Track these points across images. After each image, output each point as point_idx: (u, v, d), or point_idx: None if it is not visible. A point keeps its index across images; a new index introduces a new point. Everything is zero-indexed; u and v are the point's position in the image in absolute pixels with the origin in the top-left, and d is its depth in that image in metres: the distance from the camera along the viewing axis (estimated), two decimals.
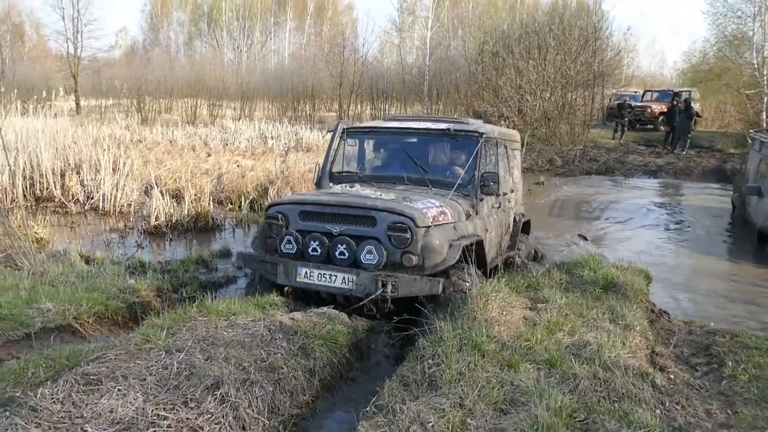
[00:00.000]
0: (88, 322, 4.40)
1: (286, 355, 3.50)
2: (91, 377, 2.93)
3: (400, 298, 4.35)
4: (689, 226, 9.97)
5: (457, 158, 5.57)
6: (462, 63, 24.23)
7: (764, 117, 19.22)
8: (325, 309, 4.26)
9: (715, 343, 4.33)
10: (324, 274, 4.41)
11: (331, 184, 5.61)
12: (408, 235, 4.27)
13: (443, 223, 4.57)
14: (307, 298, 4.70)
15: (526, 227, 7.01)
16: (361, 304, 4.31)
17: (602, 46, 21.42)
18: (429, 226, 4.38)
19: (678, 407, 3.24)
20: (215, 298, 4.52)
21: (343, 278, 4.35)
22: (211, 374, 3.03)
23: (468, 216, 5.00)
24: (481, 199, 5.26)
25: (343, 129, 6.00)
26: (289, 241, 4.54)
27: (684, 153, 18.81)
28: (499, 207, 5.81)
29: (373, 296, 4.20)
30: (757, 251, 8.05)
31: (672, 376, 3.72)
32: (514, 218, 6.44)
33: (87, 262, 6.44)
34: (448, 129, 5.52)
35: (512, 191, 6.39)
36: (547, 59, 19.25)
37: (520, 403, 3.00)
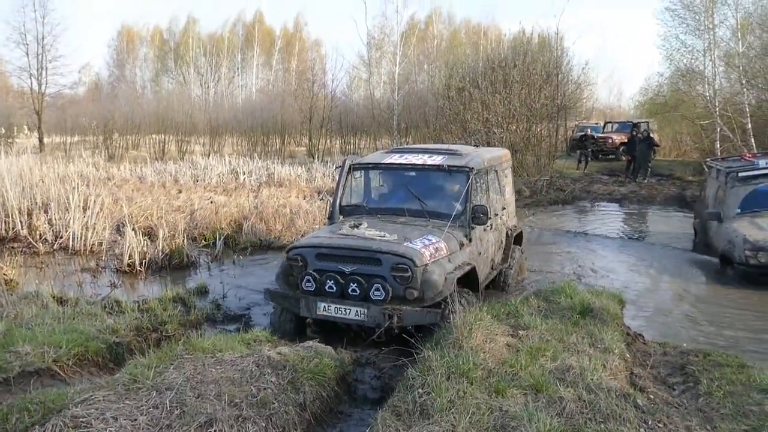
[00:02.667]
0: (68, 365, 4.31)
1: (277, 391, 3.50)
2: (81, 420, 2.89)
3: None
4: (655, 251, 10.28)
5: (451, 190, 6.28)
6: (429, 97, 24.71)
7: (718, 146, 20.03)
8: (311, 343, 4.30)
9: (690, 363, 4.48)
10: (339, 308, 5.09)
11: (341, 217, 6.31)
12: (409, 274, 4.97)
13: (439, 259, 5.23)
14: (326, 327, 5.52)
15: (518, 239, 7.68)
16: (376, 335, 4.99)
17: (564, 80, 22.15)
18: (427, 264, 5.06)
19: (660, 425, 3.35)
20: (199, 335, 4.49)
21: (356, 311, 5.03)
22: (204, 411, 3.03)
23: (462, 245, 5.71)
24: (473, 228, 5.92)
25: (350, 165, 6.66)
26: (308, 280, 5.22)
27: (645, 181, 19.43)
28: (491, 228, 6.48)
29: (383, 327, 4.88)
30: (719, 273, 8.35)
31: (652, 396, 3.84)
32: (507, 233, 7.20)
33: (60, 303, 6.29)
34: (442, 165, 6.20)
35: (504, 208, 7.07)
36: (512, 92, 19.78)
37: (511, 427, 3.07)
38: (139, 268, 8.26)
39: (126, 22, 55.94)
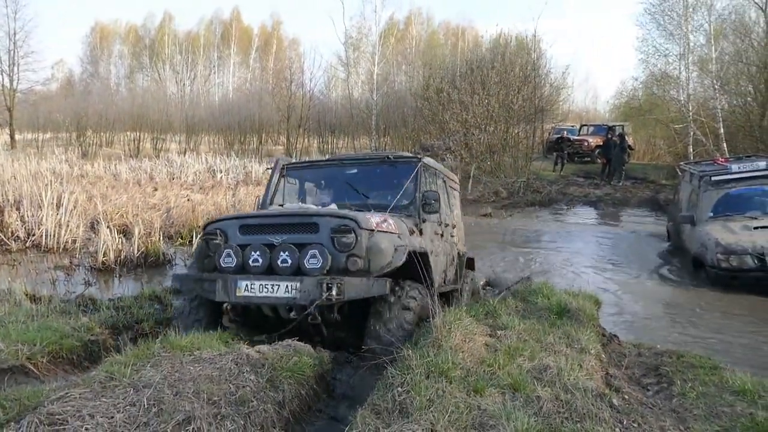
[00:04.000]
0: (42, 362, 4.23)
1: (255, 389, 3.48)
2: (56, 417, 2.84)
3: (348, 311, 4.40)
4: (629, 254, 10.47)
5: (399, 184, 5.48)
6: (408, 98, 24.82)
7: (691, 150, 20.48)
8: (289, 341, 4.26)
9: (663, 364, 4.56)
10: (266, 285, 4.19)
11: None
12: (352, 237, 4.20)
13: (387, 231, 4.49)
14: (248, 318, 4.59)
15: (470, 264, 7.24)
16: (306, 313, 4.11)
17: (541, 82, 22.45)
18: (373, 230, 4.32)
19: (635, 425, 3.40)
20: (177, 333, 4.43)
21: (286, 287, 4.15)
22: (182, 409, 2.99)
23: (412, 233, 4.99)
24: (424, 220, 5.31)
25: (283, 165, 6.02)
26: (228, 255, 4.37)
27: (620, 184, 19.79)
28: (442, 236, 5.93)
29: (318, 301, 4.03)
30: (692, 276, 8.53)
31: (627, 396, 3.90)
32: (458, 253, 6.57)
33: (33, 300, 6.18)
34: (387, 156, 5.72)
35: (454, 227, 6.52)
36: (491, 93, 19.98)
37: (489, 426, 3.09)
38: (114, 266, 8.15)
39: (100, 19, 55.11)
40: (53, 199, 9.97)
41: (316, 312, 4.14)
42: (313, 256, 4.17)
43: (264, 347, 4.05)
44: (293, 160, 6.55)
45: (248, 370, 3.66)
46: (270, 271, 4.28)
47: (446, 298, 5.95)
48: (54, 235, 9.34)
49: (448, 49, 41.95)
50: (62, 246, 9.28)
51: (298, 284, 4.12)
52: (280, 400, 3.55)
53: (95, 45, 53.49)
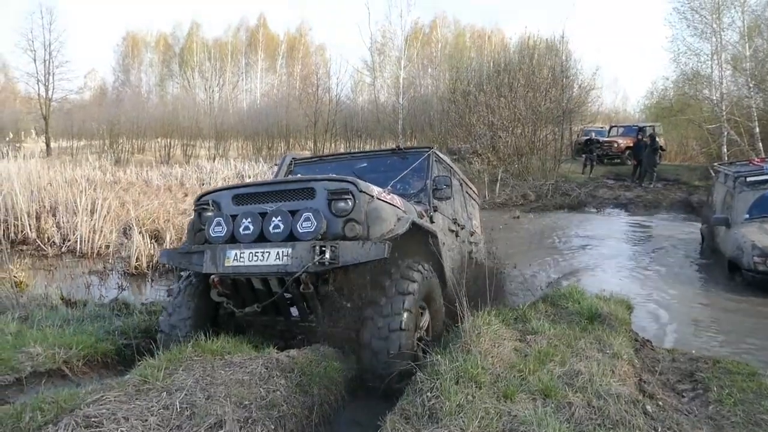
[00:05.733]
0: (78, 366, 4.34)
1: (286, 393, 3.50)
2: (92, 419, 2.90)
3: (346, 289, 4.06)
4: (662, 257, 10.26)
5: (410, 176, 5.25)
6: (434, 101, 24.79)
7: (725, 150, 20.01)
8: (318, 346, 4.27)
9: (699, 370, 4.46)
10: (256, 252, 3.87)
11: None
12: (350, 201, 3.87)
13: (390, 202, 4.18)
14: (237, 293, 4.24)
15: None
16: (298, 275, 3.75)
17: (569, 83, 22.21)
18: (373, 196, 4.00)
19: None
20: (208, 337, 4.49)
21: (277, 253, 3.81)
22: (213, 413, 3.03)
23: (421, 216, 4.67)
24: (435, 209, 5.02)
25: (291, 160, 5.88)
26: (218, 224, 4.08)
27: (652, 186, 19.42)
28: (457, 235, 5.70)
29: (308, 265, 3.69)
30: (727, 279, 8.31)
31: (661, 403, 3.83)
32: (476, 261, 6.26)
33: (68, 305, 6.34)
34: (398, 146, 5.54)
35: (473, 234, 6.27)
36: (518, 96, 19.84)
37: None
38: (146, 271, 8.30)
39: (131, 28, 56.37)
40: (87, 206, 10.20)
41: (308, 280, 3.82)
42: (307, 219, 3.84)
43: (293, 351, 4.08)
44: (302, 155, 6.35)
45: (278, 374, 3.69)
46: (261, 238, 3.96)
47: None
48: (88, 241, 9.56)
49: (474, 52, 41.75)
50: (96, 251, 9.48)
51: (290, 250, 3.79)
52: (310, 404, 3.57)
53: (126, 54, 54.71)
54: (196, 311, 4.38)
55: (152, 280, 8.13)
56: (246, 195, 4.26)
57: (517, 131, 20.01)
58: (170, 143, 28.48)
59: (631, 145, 22.69)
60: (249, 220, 3.99)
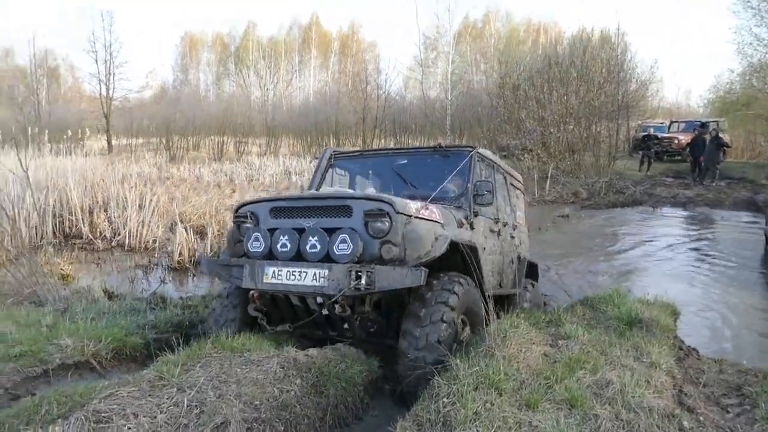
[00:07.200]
0: (106, 359, 4.41)
1: (300, 394, 3.44)
2: (102, 415, 2.91)
3: (384, 306, 4.10)
4: (720, 259, 9.69)
5: (450, 174, 5.10)
6: (484, 97, 24.37)
7: None
8: (340, 345, 4.19)
9: (748, 383, 4.13)
10: (293, 271, 3.93)
11: None
12: (387, 223, 3.85)
13: (428, 219, 4.15)
14: (276, 308, 4.37)
15: (533, 272, 6.74)
16: (334, 299, 3.82)
17: (626, 77, 21.35)
18: (411, 215, 3.97)
19: None
20: (231, 333, 4.48)
21: (314, 274, 3.86)
22: (221, 412, 2.99)
23: (461, 225, 4.64)
24: (476, 214, 4.95)
25: (331, 154, 5.83)
26: (257, 239, 4.14)
27: (713, 184, 18.44)
28: (499, 234, 5.58)
29: (344, 291, 3.72)
30: None
31: (701, 418, 3.55)
32: (519, 256, 6.20)
33: (110, 297, 6.51)
34: (439, 144, 5.38)
35: (515, 228, 6.17)
36: (570, 90, 19.23)
37: None
38: (188, 266, 8.46)
39: (189, 28, 58.03)
40: (136, 201, 10.50)
41: (345, 303, 3.89)
42: (343, 242, 3.85)
43: (313, 351, 4.01)
44: (342, 149, 6.31)
45: (294, 374, 3.63)
46: (299, 257, 4.01)
47: (501, 304, 5.60)
48: (136, 235, 9.83)
49: (528, 46, 40.85)
50: (144, 245, 9.74)
51: (327, 272, 3.83)
52: (324, 406, 3.50)
53: (185, 53, 56.38)
54: (243, 313, 4.49)
55: (193, 275, 8.27)
56: (283, 209, 4.30)
57: (569, 127, 19.38)
58: (224, 140, 29.16)
59: (689, 141, 21.65)
60: (286, 237, 4.04)
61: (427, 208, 4.20)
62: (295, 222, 4.16)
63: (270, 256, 4.11)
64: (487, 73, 31.63)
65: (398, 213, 3.88)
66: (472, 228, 4.86)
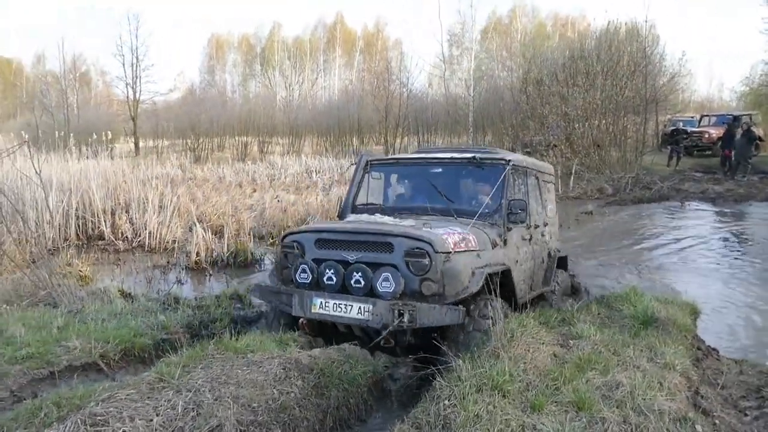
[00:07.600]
0: (114, 360, 4.43)
1: (300, 395, 3.39)
2: (98, 418, 2.90)
3: (422, 331, 4.22)
4: (749, 257, 9.37)
5: (484, 187, 5.35)
6: (506, 93, 24.05)
7: None
8: (345, 346, 4.15)
9: None
10: (339, 304, 4.24)
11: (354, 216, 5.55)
12: (427, 261, 4.12)
13: (465, 250, 4.37)
14: (324, 331, 4.62)
15: (562, 263, 6.72)
16: (380, 339, 4.13)
17: (654, 71, 20.82)
18: (450, 252, 4.20)
19: None
20: (245, 333, 4.47)
21: (359, 308, 4.17)
22: (217, 415, 2.96)
23: (495, 245, 4.81)
24: (509, 229, 5.07)
25: (367, 161, 5.96)
26: (304, 270, 4.45)
27: (745, 179, 17.88)
28: (531, 239, 5.60)
29: (390, 328, 4.00)
30: None
31: (717, 422, 3.41)
32: (549, 253, 6.22)
33: (126, 298, 6.56)
34: (474, 157, 5.40)
35: (546, 225, 6.17)
36: (595, 85, 18.84)
37: None
38: (205, 266, 8.50)
39: (215, 30, 58.68)
40: (156, 202, 10.61)
41: (388, 336, 4.12)
42: (386, 280, 4.15)
43: (316, 351, 3.97)
44: (377, 156, 6.42)
45: (296, 375, 3.59)
46: (344, 289, 4.32)
47: (531, 300, 5.66)
48: (157, 236, 9.93)
49: (555, 41, 40.24)
50: (164, 246, 9.84)
51: (371, 307, 4.13)
52: (325, 407, 3.45)
53: (211, 55, 57.02)
54: (290, 318, 4.71)
55: (210, 275, 8.31)
56: (328, 240, 4.56)
57: (594, 122, 18.98)
58: (247, 140, 29.39)
59: (721, 135, 21.02)
60: (332, 271, 4.34)
61: (464, 239, 4.41)
62: (338, 254, 4.44)
63: (316, 286, 4.42)
64: (511, 69, 31.21)
65: (437, 252, 4.12)
66: (505, 244, 5.01)
